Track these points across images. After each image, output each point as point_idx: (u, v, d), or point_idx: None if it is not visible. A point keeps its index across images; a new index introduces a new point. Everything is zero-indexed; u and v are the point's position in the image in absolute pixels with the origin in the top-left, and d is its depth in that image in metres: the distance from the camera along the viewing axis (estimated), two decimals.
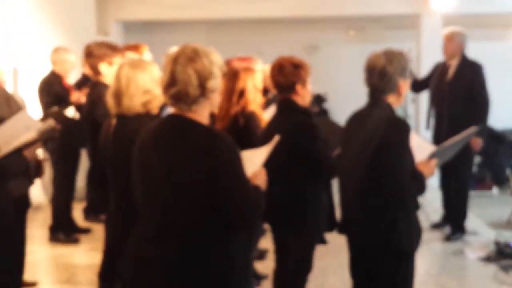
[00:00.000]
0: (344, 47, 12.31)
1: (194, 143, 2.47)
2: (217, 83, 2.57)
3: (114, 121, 3.37)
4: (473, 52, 10.85)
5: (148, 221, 2.60)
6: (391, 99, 3.30)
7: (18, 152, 3.37)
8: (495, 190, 10.86)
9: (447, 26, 7.08)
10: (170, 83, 2.51)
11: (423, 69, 6.33)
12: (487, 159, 10.62)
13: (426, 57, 6.42)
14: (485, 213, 9.15)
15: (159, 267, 2.53)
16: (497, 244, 5.97)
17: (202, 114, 2.57)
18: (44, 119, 3.72)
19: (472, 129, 3.80)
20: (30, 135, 3.42)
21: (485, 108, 6.24)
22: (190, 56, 2.51)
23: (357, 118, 3.45)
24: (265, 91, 5.51)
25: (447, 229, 6.63)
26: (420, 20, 10.14)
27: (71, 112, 4.89)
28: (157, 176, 2.52)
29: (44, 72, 6.73)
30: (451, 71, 6.31)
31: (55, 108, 4.97)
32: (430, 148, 3.46)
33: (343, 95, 11.29)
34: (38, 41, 7.85)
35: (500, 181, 10.76)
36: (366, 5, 10.07)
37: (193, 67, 2.49)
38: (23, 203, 4.03)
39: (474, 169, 10.34)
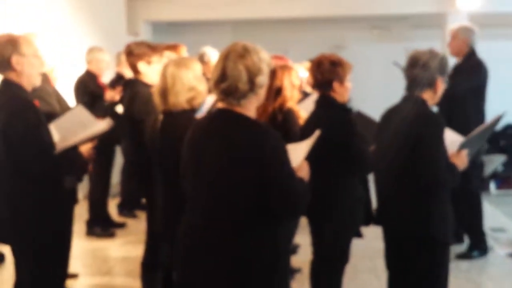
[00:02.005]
0: (369, 46, 12.25)
1: (244, 136, 2.54)
2: (265, 79, 2.65)
3: (161, 118, 3.50)
4: (499, 50, 10.93)
5: (199, 211, 2.68)
6: (427, 95, 3.40)
7: (74, 148, 3.47)
8: None
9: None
10: (221, 78, 2.58)
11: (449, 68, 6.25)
12: None
13: (451, 56, 6.40)
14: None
15: (208, 254, 2.61)
16: None
17: (250, 108, 2.65)
18: (99, 116, 3.81)
19: (498, 117, 3.86)
20: (91, 131, 3.52)
21: (468, 111, 5.78)
22: (241, 52, 2.59)
23: (393, 113, 3.54)
24: None
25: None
26: (446, 19, 10.08)
27: (120, 109, 5.01)
28: (209, 167, 2.60)
29: (79, 71, 6.87)
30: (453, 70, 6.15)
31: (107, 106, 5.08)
32: (459, 140, 3.56)
33: (368, 94, 11.24)
34: (72, 42, 8.01)
35: None
36: (392, 4, 10.08)
37: (243, 63, 2.57)
38: (72, 199, 4.15)
39: (500, 168, 10.38)
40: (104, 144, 6.34)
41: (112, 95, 6.27)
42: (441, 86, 3.44)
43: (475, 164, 5.67)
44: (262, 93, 2.69)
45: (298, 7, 10.40)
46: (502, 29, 11.29)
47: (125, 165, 7.16)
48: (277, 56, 5.35)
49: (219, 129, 2.62)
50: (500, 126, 11.05)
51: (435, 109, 4.46)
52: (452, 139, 3.53)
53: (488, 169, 10.04)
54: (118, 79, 7.16)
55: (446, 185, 3.31)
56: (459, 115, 5.66)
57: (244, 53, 2.59)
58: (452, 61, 6.02)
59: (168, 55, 4.65)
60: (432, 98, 3.44)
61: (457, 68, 5.98)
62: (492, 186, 10.59)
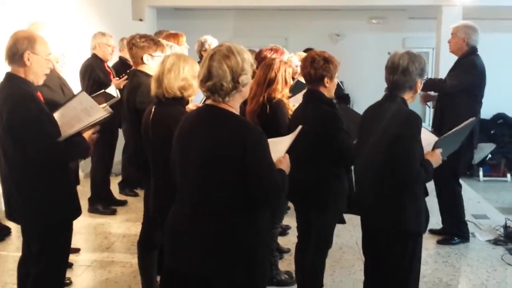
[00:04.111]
0: (366, 35, 12.37)
1: (228, 131, 2.70)
2: (248, 78, 2.79)
3: (152, 109, 3.70)
4: (493, 43, 11.13)
5: (186, 199, 2.85)
6: (407, 96, 3.58)
7: (78, 134, 3.61)
8: (509, 177, 11.07)
9: (467, 19, 6.99)
10: (207, 77, 2.74)
11: (443, 58, 6.27)
12: (501, 147, 10.84)
13: (445, 46, 6.38)
14: (498, 198, 9.51)
15: (194, 240, 2.79)
16: (506, 228, 6.23)
17: (234, 105, 2.81)
18: (98, 101, 3.92)
19: (472, 120, 3.98)
20: (92, 118, 3.64)
21: (460, 109, 5.77)
22: (225, 53, 2.73)
23: (374, 111, 3.72)
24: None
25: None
26: (441, 11, 10.26)
27: (112, 90, 5.16)
28: (194, 159, 2.76)
29: (83, 56, 7.04)
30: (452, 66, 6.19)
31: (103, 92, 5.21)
32: (434, 139, 3.73)
33: (365, 82, 11.32)
34: (78, 27, 8.17)
35: None
36: None
37: (228, 63, 2.71)
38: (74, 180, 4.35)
39: (488, 156, 10.67)
40: (106, 125, 6.61)
41: (118, 83, 6.46)
42: (420, 86, 3.61)
43: (467, 151, 5.80)
44: (245, 90, 2.86)
45: None
46: (495, 22, 11.42)
47: (126, 145, 7.29)
48: (273, 48, 5.51)
49: (205, 124, 2.79)
50: (490, 115, 11.32)
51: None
52: (428, 139, 3.69)
53: (478, 157, 10.32)
54: (121, 64, 7.38)
55: (420, 181, 3.48)
56: (451, 111, 5.82)
57: (228, 54, 2.74)
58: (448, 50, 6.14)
59: (169, 49, 4.81)
60: (411, 97, 3.61)
61: (454, 65, 6.08)
62: (481, 173, 10.88)
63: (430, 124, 6.48)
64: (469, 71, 5.83)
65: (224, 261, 2.77)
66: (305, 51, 8.97)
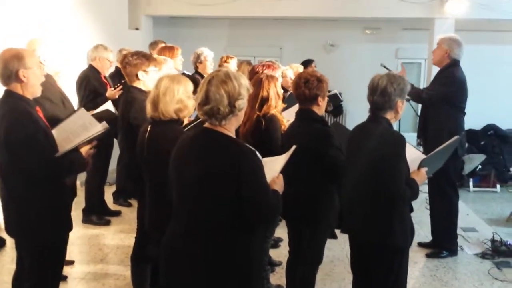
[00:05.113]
0: (360, 45, 12.41)
1: (223, 154, 2.77)
2: (244, 102, 2.88)
3: (148, 128, 3.78)
4: (484, 54, 11.23)
5: (181, 218, 2.92)
6: (389, 115, 3.67)
7: (75, 149, 3.70)
8: (498, 188, 11.12)
9: (459, 30, 7.08)
10: (204, 101, 2.82)
11: (435, 69, 6.31)
12: (491, 158, 10.93)
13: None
14: (487, 209, 9.57)
15: (187, 258, 2.85)
16: (493, 241, 6.28)
17: (230, 128, 2.89)
18: (97, 118, 4.01)
19: (455, 138, 4.10)
20: (89, 134, 3.74)
21: (441, 117, 5.91)
22: (223, 79, 2.82)
23: (359, 131, 3.82)
24: (284, 90, 5.63)
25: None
26: (434, 23, 10.34)
27: (109, 105, 5.23)
28: (190, 180, 2.83)
29: (79, 65, 7.06)
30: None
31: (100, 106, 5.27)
32: (421, 157, 3.84)
33: (358, 92, 11.37)
34: (75, 37, 8.19)
35: (504, 179, 11.12)
36: (382, 8, 10.27)
37: (225, 88, 2.79)
38: (71, 193, 4.43)
39: (479, 167, 10.76)
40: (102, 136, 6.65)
41: (113, 94, 6.51)
42: (402, 106, 3.69)
43: (456, 162, 5.91)
44: (241, 115, 2.94)
45: (294, 7, 10.56)
46: (487, 34, 11.62)
47: (121, 155, 7.29)
48: (267, 65, 5.57)
49: (201, 146, 2.87)
50: (480, 126, 11.42)
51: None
52: (414, 156, 3.80)
53: (468, 168, 10.42)
54: (118, 74, 7.42)
55: (406, 199, 3.58)
56: (433, 120, 5.96)
57: (225, 79, 2.82)
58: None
59: (162, 63, 4.88)
60: (394, 117, 3.71)
61: (434, 77, 6.21)
62: (471, 183, 10.97)
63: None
64: (446, 83, 5.89)
65: (217, 280, 2.83)
66: (303, 62, 9.07)
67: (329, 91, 6.89)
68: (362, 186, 3.63)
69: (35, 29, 6.87)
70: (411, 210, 3.78)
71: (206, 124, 2.92)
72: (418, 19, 10.75)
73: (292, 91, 6.18)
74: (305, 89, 4.14)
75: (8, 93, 3.57)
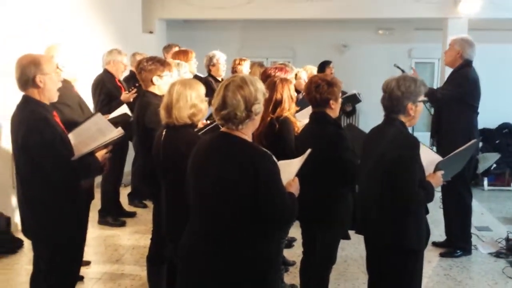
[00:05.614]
0: (373, 46, 12.43)
1: (240, 158, 2.80)
2: (260, 107, 2.90)
3: (163, 132, 3.81)
4: (499, 53, 11.20)
5: (198, 220, 2.96)
6: (403, 118, 3.63)
7: (91, 154, 3.77)
8: None
9: (472, 29, 7.06)
10: (222, 106, 2.84)
11: (448, 69, 6.31)
12: (506, 157, 10.86)
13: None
14: (502, 208, 9.55)
15: (206, 259, 2.89)
16: (508, 240, 6.30)
17: (247, 133, 2.91)
18: (113, 123, 4.07)
19: (473, 142, 4.08)
20: (107, 138, 3.82)
21: (452, 117, 5.98)
22: (239, 83, 2.84)
23: (375, 133, 3.82)
24: (297, 92, 5.69)
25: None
26: (447, 23, 10.35)
27: (125, 109, 5.28)
28: (208, 184, 2.87)
29: (94, 69, 7.14)
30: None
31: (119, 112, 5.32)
32: (437, 159, 3.81)
33: (371, 92, 11.33)
34: (91, 41, 8.27)
35: None
36: (395, 8, 10.29)
37: (241, 93, 2.82)
38: (89, 196, 4.50)
39: (493, 166, 10.71)
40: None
41: (128, 97, 6.59)
42: (415, 109, 3.62)
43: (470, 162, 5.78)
44: (258, 119, 2.96)
45: (307, 9, 10.59)
46: (500, 33, 11.58)
47: (136, 157, 7.33)
48: (279, 67, 5.59)
49: (219, 150, 2.89)
50: (495, 125, 11.37)
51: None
52: (430, 158, 3.77)
53: (483, 166, 10.37)
54: (133, 77, 7.49)
55: (420, 202, 3.56)
56: (447, 119, 6.00)
57: (242, 84, 2.84)
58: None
59: (176, 67, 4.93)
60: (408, 121, 3.67)
61: (448, 78, 6.23)
62: (485, 182, 10.92)
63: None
64: (460, 84, 5.91)
65: (234, 280, 2.86)
66: (321, 64, 9.06)
67: (345, 92, 6.89)
68: (376, 189, 3.62)
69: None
70: (427, 212, 3.76)
71: (223, 129, 2.95)
72: (431, 19, 10.75)
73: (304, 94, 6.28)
74: (316, 93, 4.18)
75: (26, 99, 3.64)
